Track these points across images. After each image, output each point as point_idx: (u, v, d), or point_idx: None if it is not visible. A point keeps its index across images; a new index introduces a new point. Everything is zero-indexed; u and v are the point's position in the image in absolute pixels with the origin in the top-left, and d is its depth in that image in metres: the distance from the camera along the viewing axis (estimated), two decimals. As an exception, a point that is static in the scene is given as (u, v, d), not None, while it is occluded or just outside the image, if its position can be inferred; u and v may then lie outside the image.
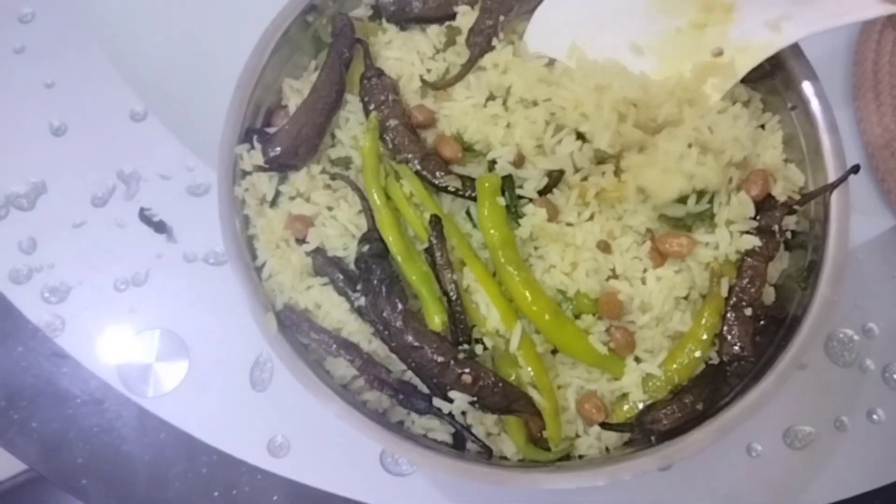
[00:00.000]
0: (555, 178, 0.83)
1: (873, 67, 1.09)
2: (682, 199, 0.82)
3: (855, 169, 0.85)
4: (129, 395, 0.97)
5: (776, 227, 0.84)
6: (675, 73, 0.84)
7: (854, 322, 1.00)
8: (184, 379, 0.97)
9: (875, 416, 0.97)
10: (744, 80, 0.91)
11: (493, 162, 0.84)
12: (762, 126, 0.90)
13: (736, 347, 0.81)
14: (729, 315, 0.82)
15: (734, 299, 0.82)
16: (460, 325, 0.79)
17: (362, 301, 0.79)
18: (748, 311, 0.82)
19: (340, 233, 0.83)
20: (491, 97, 0.86)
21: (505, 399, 0.77)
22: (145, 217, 1.01)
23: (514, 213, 0.82)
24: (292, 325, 0.81)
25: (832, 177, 0.85)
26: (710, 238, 0.83)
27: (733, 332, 0.81)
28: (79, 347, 0.99)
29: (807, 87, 0.87)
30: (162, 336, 0.99)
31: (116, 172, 1.04)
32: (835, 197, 0.85)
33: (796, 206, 0.86)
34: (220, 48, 0.96)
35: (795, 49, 0.88)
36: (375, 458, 0.94)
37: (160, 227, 1.01)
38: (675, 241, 0.83)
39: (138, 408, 0.97)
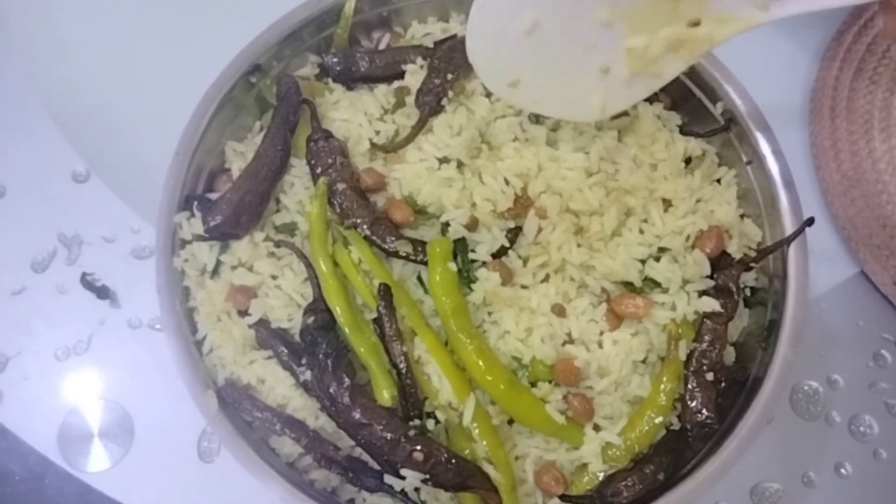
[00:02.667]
0: (511, 238, 0.81)
1: (830, 114, 1.09)
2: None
3: (809, 222, 0.84)
4: (70, 470, 0.92)
5: (733, 286, 0.82)
6: (645, 40, 0.76)
7: (819, 374, 0.99)
8: (128, 452, 0.93)
9: (843, 471, 0.95)
10: (698, 135, 0.90)
11: (447, 225, 0.82)
12: (718, 181, 0.89)
13: (700, 415, 0.78)
14: (690, 381, 0.79)
15: (695, 364, 0.80)
16: (411, 399, 0.76)
17: (308, 375, 0.76)
18: (710, 376, 0.79)
19: (285, 303, 0.80)
20: (444, 160, 0.84)
21: (459, 476, 0.74)
22: (87, 282, 0.97)
23: (466, 277, 0.80)
24: (234, 402, 0.77)
25: (789, 231, 0.84)
26: (666, 298, 0.81)
27: (696, 399, 0.79)
28: (17, 421, 0.94)
29: (762, 141, 0.86)
30: (105, 407, 0.94)
31: (57, 235, 1.00)
32: (793, 251, 0.83)
33: (753, 263, 0.84)
34: (165, 105, 0.92)
35: (749, 102, 0.87)
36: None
37: (103, 292, 0.97)
38: (632, 302, 0.81)
39: (80, 484, 0.92)
